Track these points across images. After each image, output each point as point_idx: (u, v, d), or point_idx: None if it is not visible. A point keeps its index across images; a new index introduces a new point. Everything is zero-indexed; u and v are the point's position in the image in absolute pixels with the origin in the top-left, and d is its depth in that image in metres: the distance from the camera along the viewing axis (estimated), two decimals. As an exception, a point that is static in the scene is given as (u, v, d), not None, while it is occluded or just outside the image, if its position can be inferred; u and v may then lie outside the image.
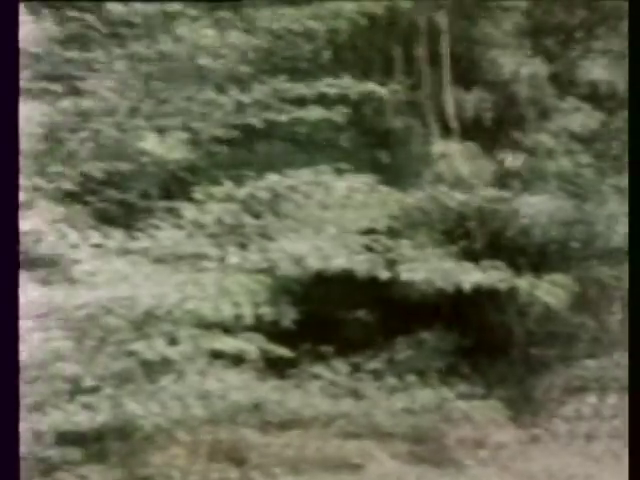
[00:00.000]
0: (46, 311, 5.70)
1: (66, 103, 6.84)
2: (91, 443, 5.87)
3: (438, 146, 8.43)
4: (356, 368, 7.47)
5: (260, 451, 6.57)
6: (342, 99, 7.80)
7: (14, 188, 3.36)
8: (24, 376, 5.57)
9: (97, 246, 6.39)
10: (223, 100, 7.30)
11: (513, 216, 8.69)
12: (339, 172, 7.65)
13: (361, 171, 7.79)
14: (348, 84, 7.61)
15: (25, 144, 6.01)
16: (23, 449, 5.58)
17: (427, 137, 8.66)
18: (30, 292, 5.68)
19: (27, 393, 5.68)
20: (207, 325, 6.51)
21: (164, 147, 6.81)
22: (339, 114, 7.70)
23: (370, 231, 7.40)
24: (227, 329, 6.74)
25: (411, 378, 7.54)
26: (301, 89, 7.56)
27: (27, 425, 5.59)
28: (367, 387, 7.33)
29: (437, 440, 7.44)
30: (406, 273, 7.55)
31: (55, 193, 6.53)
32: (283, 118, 7.57)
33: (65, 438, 5.78)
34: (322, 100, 7.71)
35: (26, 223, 6.22)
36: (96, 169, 6.86)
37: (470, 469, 7.23)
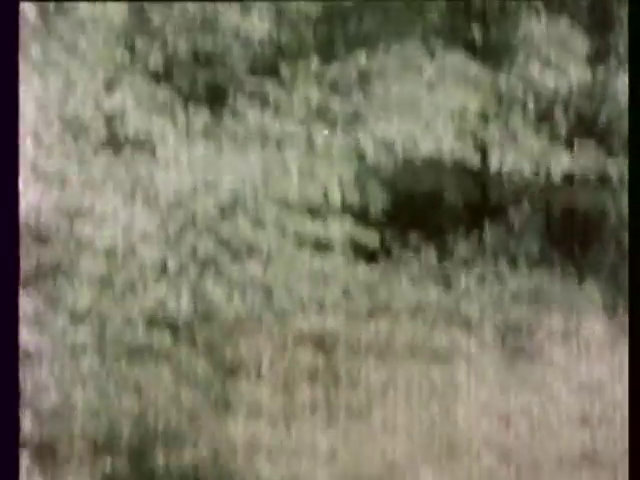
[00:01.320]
0: (131, 190, 5.55)
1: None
2: (179, 329, 5.77)
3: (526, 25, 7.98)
4: (445, 255, 7.26)
5: (347, 340, 6.43)
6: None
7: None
8: (113, 261, 5.49)
9: (183, 126, 6.21)
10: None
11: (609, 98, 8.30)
12: (429, 50, 7.38)
13: (452, 48, 7.52)
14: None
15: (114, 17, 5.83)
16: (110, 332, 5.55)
17: (518, 16, 8.20)
18: (116, 170, 5.55)
19: (116, 276, 5.60)
20: (292, 208, 6.35)
21: (248, 22, 6.57)
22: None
23: (461, 113, 7.16)
24: (313, 213, 6.58)
25: (502, 265, 7.34)
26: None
27: (117, 309, 5.53)
28: (457, 275, 7.14)
29: (527, 330, 7.23)
30: (496, 158, 7.36)
31: (141, 71, 6.32)
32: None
33: (154, 323, 5.69)
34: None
35: (111, 101, 6.06)
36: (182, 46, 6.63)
37: (559, 360, 7.02)
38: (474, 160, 7.19)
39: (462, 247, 7.29)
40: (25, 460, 4.97)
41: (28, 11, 5.75)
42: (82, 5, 6.29)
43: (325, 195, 6.40)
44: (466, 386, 6.47)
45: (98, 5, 6.30)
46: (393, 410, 6.21)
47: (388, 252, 7.00)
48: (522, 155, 7.37)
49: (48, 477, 5.24)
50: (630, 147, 3.87)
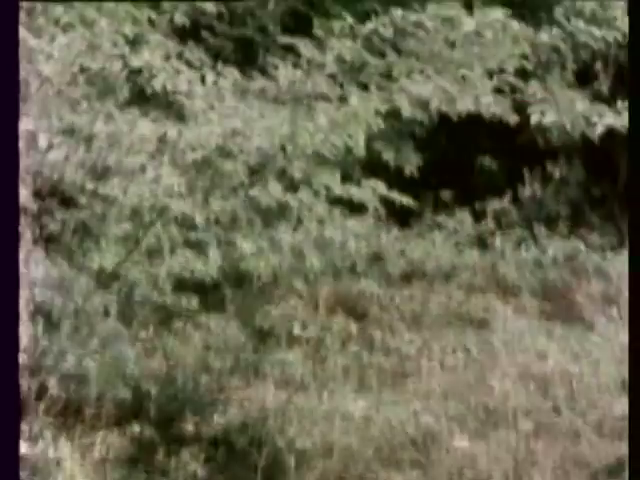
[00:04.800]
0: (157, 148, 5.36)
1: None
2: (208, 291, 5.62)
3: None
4: (481, 216, 7.06)
5: (381, 304, 6.25)
6: None
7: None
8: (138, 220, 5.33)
9: (212, 84, 6.01)
10: None
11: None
12: (467, 6, 7.14)
13: (490, 4, 7.27)
14: None
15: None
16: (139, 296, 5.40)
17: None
18: (140, 128, 5.37)
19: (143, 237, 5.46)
20: (322, 163, 6.12)
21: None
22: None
23: (499, 71, 6.92)
24: (346, 175, 6.40)
25: (538, 227, 7.13)
26: None
27: (145, 270, 5.39)
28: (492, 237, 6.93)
29: (565, 295, 7.02)
30: (535, 116, 7.14)
31: (168, 27, 6.13)
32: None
33: (182, 285, 5.53)
34: None
35: (138, 59, 5.89)
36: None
37: (599, 326, 6.81)
38: (511, 118, 6.93)
39: (497, 208, 7.07)
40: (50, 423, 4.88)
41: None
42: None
43: (350, 143, 6.09)
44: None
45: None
46: (428, 377, 6.04)
47: (421, 214, 6.81)
48: (562, 112, 7.15)
49: (75, 440, 5.13)
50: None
